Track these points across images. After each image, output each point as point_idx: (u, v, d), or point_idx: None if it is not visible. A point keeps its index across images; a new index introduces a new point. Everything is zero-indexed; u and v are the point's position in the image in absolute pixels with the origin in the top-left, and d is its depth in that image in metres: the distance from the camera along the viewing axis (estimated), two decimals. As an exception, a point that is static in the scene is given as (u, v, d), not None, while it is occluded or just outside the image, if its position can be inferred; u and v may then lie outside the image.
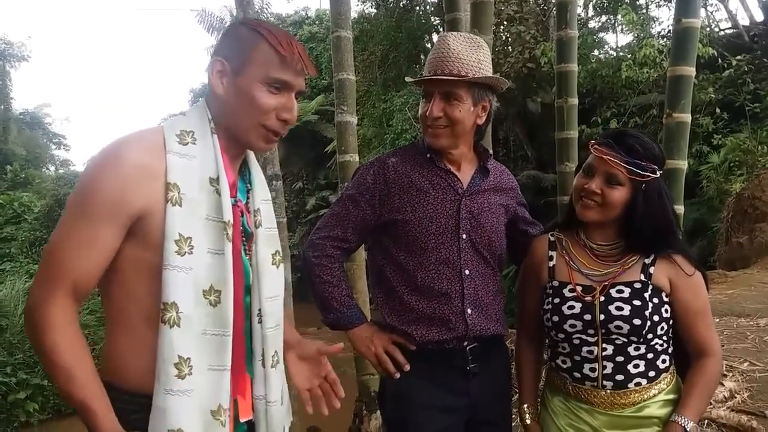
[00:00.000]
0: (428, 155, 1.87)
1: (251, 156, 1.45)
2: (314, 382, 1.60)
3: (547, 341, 1.89)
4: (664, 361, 1.73)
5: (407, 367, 1.84)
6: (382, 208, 1.85)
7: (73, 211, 1.20)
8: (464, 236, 1.84)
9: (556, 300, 1.77)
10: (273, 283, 1.40)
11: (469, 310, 1.83)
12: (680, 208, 3.11)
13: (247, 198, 1.41)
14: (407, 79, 1.93)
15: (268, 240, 1.41)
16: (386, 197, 1.84)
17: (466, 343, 1.84)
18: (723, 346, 3.80)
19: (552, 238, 1.88)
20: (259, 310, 1.37)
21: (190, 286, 1.21)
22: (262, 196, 1.44)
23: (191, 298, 1.21)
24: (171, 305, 1.19)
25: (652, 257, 1.73)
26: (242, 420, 1.35)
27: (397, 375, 1.84)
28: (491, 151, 2.02)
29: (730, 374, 3.28)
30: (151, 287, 1.20)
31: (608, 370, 1.70)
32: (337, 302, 1.89)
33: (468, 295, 1.83)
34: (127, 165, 1.19)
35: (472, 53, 1.79)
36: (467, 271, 1.84)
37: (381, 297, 1.93)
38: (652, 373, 1.70)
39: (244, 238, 1.36)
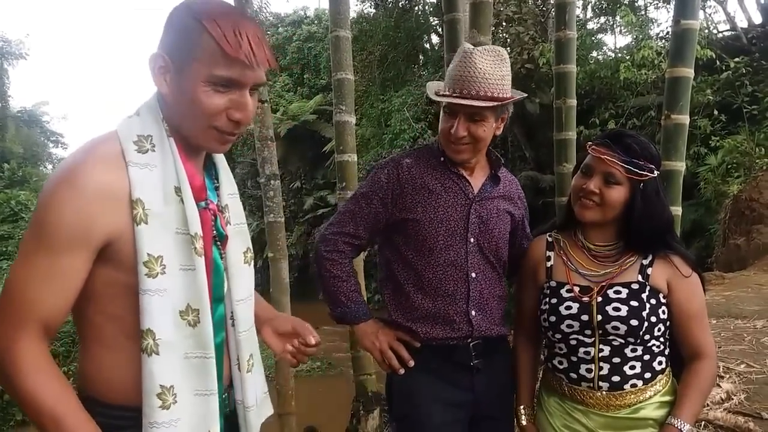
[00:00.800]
0: (442, 158, 1.91)
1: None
2: (288, 346, 1.48)
3: (544, 342, 1.89)
4: (660, 363, 1.73)
5: (411, 363, 1.86)
6: (394, 206, 1.88)
7: (33, 244, 1.09)
8: (472, 240, 1.87)
9: (554, 300, 1.77)
10: (244, 285, 1.33)
11: (473, 312, 1.86)
12: (678, 210, 3.11)
13: (218, 196, 1.31)
14: (433, 97, 1.89)
15: (239, 236, 1.33)
16: (399, 196, 1.88)
17: (470, 341, 1.87)
18: (720, 347, 3.81)
19: (550, 239, 1.88)
20: (232, 313, 1.30)
21: (167, 309, 1.14)
22: (228, 190, 1.34)
23: (169, 321, 1.14)
24: (147, 332, 1.12)
25: (649, 258, 1.73)
26: None
27: (402, 371, 1.87)
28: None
29: (727, 376, 3.28)
30: (130, 306, 1.13)
31: (604, 372, 1.70)
32: (345, 297, 1.92)
33: (473, 298, 1.86)
34: (86, 189, 1.07)
35: (496, 70, 1.79)
36: (474, 274, 1.87)
37: (389, 294, 1.96)
38: (648, 375, 1.70)
39: (219, 242, 1.28)
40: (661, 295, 1.71)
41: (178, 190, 1.17)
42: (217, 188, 1.32)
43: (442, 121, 1.88)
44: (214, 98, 1.14)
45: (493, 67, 1.79)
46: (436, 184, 1.88)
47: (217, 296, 1.27)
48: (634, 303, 1.67)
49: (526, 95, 1.95)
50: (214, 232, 1.26)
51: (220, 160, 1.36)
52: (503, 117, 1.87)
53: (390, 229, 1.92)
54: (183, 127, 1.19)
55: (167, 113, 1.20)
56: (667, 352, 1.76)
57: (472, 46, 1.84)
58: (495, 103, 1.78)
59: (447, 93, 1.83)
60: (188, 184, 1.18)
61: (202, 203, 1.23)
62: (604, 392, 1.70)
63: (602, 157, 1.69)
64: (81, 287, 1.11)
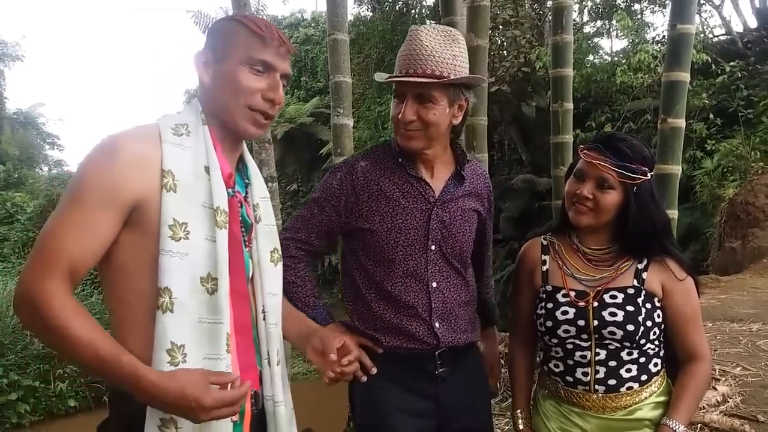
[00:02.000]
0: (399, 160, 1.78)
1: (247, 153, 1.45)
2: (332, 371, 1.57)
3: (540, 345, 1.89)
4: (656, 365, 1.73)
5: (374, 371, 1.75)
6: (349, 215, 1.78)
7: (69, 198, 1.18)
8: (433, 247, 1.77)
9: (550, 305, 1.77)
10: (273, 280, 1.41)
11: (437, 324, 1.77)
12: (674, 213, 3.12)
13: (246, 192, 1.41)
14: (376, 77, 1.79)
15: (268, 236, 1.42)
16: (354, 204, 1.77)
17: (435, 350, 1.79)
18: (716, 350, 3.82)
19: (545, 242, 1.87)
20: (263, 305, 1.37)
21: (186, 272, 1.20)
22: (260, 193, 1.44)
23: (186, 284, 1.20)
24: (164, 290, 1.18)
25: (645, 262, 1.73)
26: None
27: (364, 378, 1.74)
28: (486, 154, 1.97)
29: (723, 379, 3.29)
30: (151, 277, 1.19)
31: (601, 375, 1.70)
32: (301, 303, 1.80)
33: (435, 309, 1.78)
34: (123, 153, 1.18)
35: (446, 49, 1.66)
36: (434, 284, 1.78)
37: (350, 301, 1.87)
38: (644, 377, 1.71)
39: (243, 229, 1.36)
40: (656, 299, 1.71)
41: (207, 169, 1.27)
42: (247, 185, 1.42)
43: (392, 108, 1.74)
44: (251, 78, 1.30)
45: (442, 46, 1.66)
46: (394, 190, 1.76)
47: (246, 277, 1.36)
48: (630, 308, 1.67)
49: (485, 80, 1.83)
50: (240, 219, 1.35)
51: (253, 165, 1.46)
52: (461, 104, 1.73)
53: (347, 236, 1.83)
54: (222, 108, 1.31)
55: (207, 105, 1.33)
56: (662, 353, 1.76)
57: (420, 26, 1.73)
58: (440, 80, 1.64)
59: (394, 75, 1.71)
60: (218, 164, 1.28)
61: (230, 191, 1.31)
62: (600, 395, 1.70)
63: (594, 162, 1.68)
64: (107, 246, 1.19)
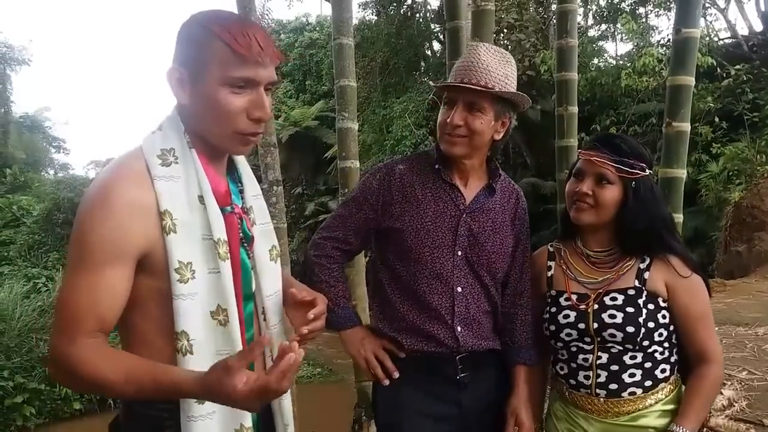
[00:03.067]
0: (436, 166, 1.85)
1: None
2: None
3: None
4: (663, 371, 1.72)
5: (396, 374, 1.82)
6: (384, 213, 1.84)
7: (76, 262, 1.16)
8: (459, 253, 1.81)
9: (553, 309, 1.78)
10: (272, 280, 1.40)
11: (459, 328, 1.80)
12: (680, 217, 3.12)
13: (242, 199, 1.37)
14: (431, 83, 1.91)
15: (264, 236, 1.40)
16: (388, 204, 1.83)
17: (456, 355, 1.82)
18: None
19: (551, 249, 1.90)
20: (263, 308, 1.37)
21: (198, 312, 1.21)
22: (252, 191, 1.41)
23: (200, 323, 1.21)
24: (181, 334, 1.19)
25: (647, 262, 1.73)
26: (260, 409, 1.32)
27: (386, 381, 1.82)
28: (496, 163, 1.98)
29: (729, 383, 3.29)
30: (167, 310, 1.20)
31: (602, 379, 1.70)
32: (331, 302, 1.82)
33: (458, 313, 1.80)
34: (117, 206, 1.15)
35: (500, 67, 1.77)
36: (459, 288, 1.81)
37: (376, 302, 1.93)
38: (648, 383, 1.70)
39: (245, 243, 1.34)
40: (660, 299, 1.71)
41: (201, 199, 1.23)
42: (241, 191, 1.38)
43: (440, 115, 1.83)
44: (232, 99, 1.20)
45: (497, 63, 1.77)
46: (427, 193, 1.83)
47: (247, 294, 1.34)
48: (630, 309, 1.68)
49: (530, 100, 1.90)
50: (241, 234, 1.33)
51: (243, 164, 1.42)
52: (504, 121, 1.82)
53: (379, 236, 1.89)
54: (207, 134, 1.25)
55: (190, 123, 1.26)
56: (673, 359, 1.75)
57: (480, 42, 1.82)
58: (493, 91, 1.73)
59: (449, 82, 1.80)
60: (211, 192, 1.24)
61: (228, 208, 1.30)
62: (602, 399, 1.71)
63: (592, 159, 1.72)
64: (126, 298, 1.18)
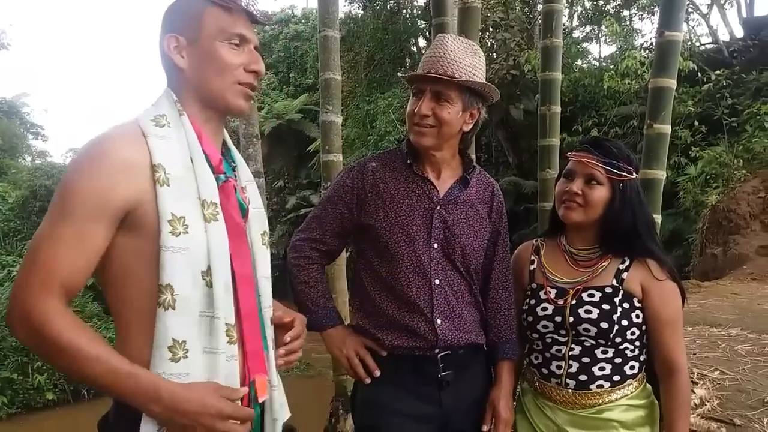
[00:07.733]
0: (408, 161, 1.85)
1: (227, 135, 1.43)
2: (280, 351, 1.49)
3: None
4: (632, 368, 1.76)
5: (377, 373, 1.81)
6: (359, 211, 1.84)
7: (58, 210, 1.14)
8: (435, 245, 1.81)
9: (533, 301, 1.83)
10: (265, 262, 1.40)
11: (438, 321, 1.79)
12: (658, 218, 3.15)
13: (234, 175, 1.38)
14: (399, 74, 1.92)
15: (257, 219, 1.41)
16: (363, 201, 1.84)
17: (437, 351, 1.80)
18: (695, 354, 3.87)
19: (536, 243, 1.95)
20: (257, 288, 1.36)
21: (187, 267, 1.18)
22: (245, 176, 1.42)
23: (188, 279, 1.18)
24: (166, 287, 1.16)
25: (627, 263, 1.77)
26: (260, 399, 1.32)
27: (368, 380, 1.82)
28: (474, 156, 1.98)
29: (701, 382, 3.34)
30: (152, 276, 1.17)
31: (573, 369, 1.75)
32: (312, 303, 1.87)
33: (438, 305, 1.79)
34: (110, 159, 1.15)
35: (468, 58, 1.77)
36: (437, 281, 1.80)
37: (358, 300, 1.93)
38: (617, 378, 1.74)
39: (243, 216, 1.34)
40: (635, 299, 1.75)
41: (193, 161, 1.24)
42: (234, 169, 1.40)
43: (409, 105, 1.83)
44: (231, 53, 1.28)
45: (464, 54, 1.77)
46: (399, 188, 1.83)
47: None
48: (605, 306, 1.72)
49: (498, 93, 1.88)
50: (238, 203, 1.33)
51: (235, 150, 1.44)
52: (473, 112, 1.82)
53: (357, 233, 1.89)
54: (208, 89, 1.29)
55: (183, 90, 1.29)
56: (642, 358, 1.79)
57: (447, 34, 1.81)
58: (460, 80, 1.73)
59: (415, 74, 1.81)
60: (201, 152, 1.26)
61: (222, 176, 1.30)
62: (570, 390, 1.75)
63: (583, 160, 1.77)
64: (100, 256, 1.16)
